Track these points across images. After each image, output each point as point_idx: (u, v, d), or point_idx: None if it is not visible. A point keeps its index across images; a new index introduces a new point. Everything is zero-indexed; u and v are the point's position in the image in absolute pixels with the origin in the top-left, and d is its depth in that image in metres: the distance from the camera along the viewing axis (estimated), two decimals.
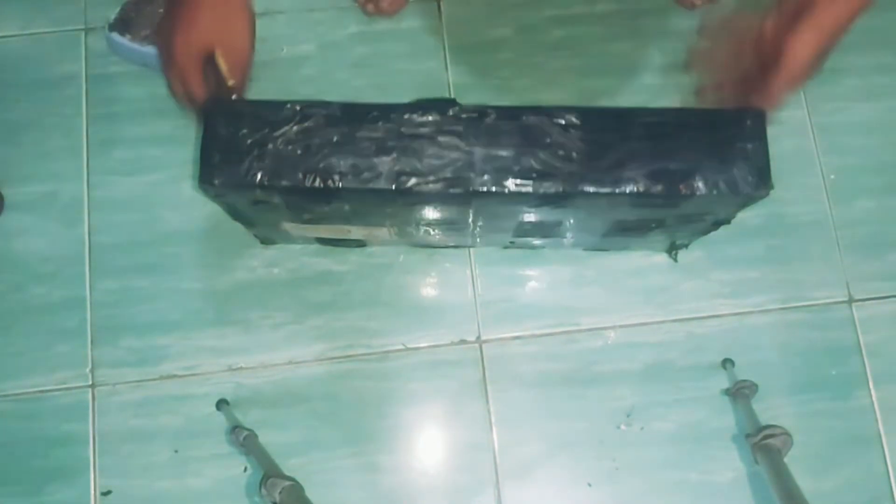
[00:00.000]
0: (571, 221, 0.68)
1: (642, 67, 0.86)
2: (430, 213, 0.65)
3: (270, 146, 0.58)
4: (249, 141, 0.58)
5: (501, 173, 0.57)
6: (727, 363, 0.78)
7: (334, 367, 0.78)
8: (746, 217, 0.74)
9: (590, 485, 0.76)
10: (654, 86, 0.85)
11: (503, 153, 0.57)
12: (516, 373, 0.78)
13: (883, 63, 0.86)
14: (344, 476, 0.75)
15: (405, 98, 0.85)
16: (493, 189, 0.57)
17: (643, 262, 0.80)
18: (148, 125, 0.82)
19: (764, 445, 0.68)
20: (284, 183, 0.57)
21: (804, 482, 0.64)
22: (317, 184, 0.57)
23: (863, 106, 0.85)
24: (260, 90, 0.84)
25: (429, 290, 0.80)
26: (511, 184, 0.57)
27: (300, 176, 0.57)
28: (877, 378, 0.78)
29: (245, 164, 0.57)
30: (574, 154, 0.57)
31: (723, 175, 0.58)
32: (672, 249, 0.80)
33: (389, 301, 0.79)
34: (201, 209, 0.80)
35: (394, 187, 0.57)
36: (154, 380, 0.77)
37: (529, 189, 0.57)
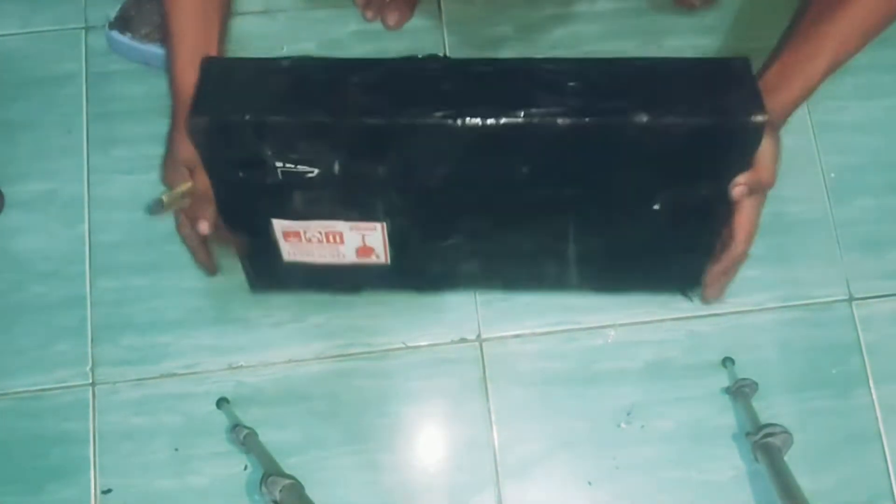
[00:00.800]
0: (571, 235, 0.67)
1: None
2: (432, 174, 0.62)
3: (266, 89, 0.58)
4: (245, 86, 0.58)
5: (505, 107, 0.56)
6: (727, 361, 0.78)
7: (334, 365, 0.78)
8: None
9: (590, 483, 0.76)
10: None
11: (503, 95, 0.57)
12: (516, 371, 0.78)
13: (883, 62, 0.86)
14: (344, 474, 0.75)
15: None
16: (496, 121, 0.56)
17: None
18: (148, 123, 0.82)
19: (764, 444, 0.68)
20: (280, 118, 0.56)
21: (804, 480, 0.64)
22: (313, 117, 0.56)
23: (863, 104, 0.85)
24: None
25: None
26: (519, 115, 0.56)
27: (297, 109, 0.57)
28: (877, 376, 0.78)
29: (240, 103, 0.57)
30: (572, 95, 0.57)
31: (717, 103, 0.57)
32: (686, 289, 0.78)
33: (389, 299, 0.79)
34: None
35: (392, 120, 0.56)
36: (154, 378, 0.77)
37: (541, 119, 0.56)
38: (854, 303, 0.80)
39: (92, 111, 0.84)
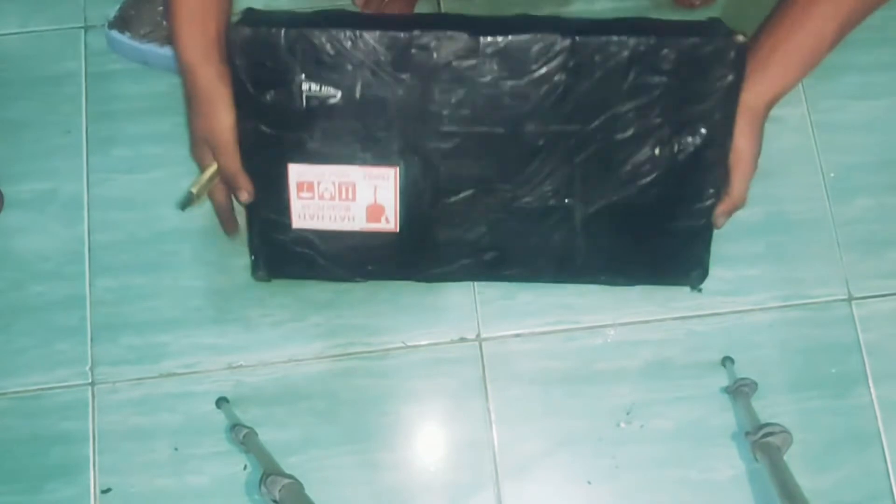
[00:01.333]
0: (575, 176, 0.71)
1: None
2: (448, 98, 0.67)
3: (300, 21, 0.66)
4: (281, 19, 0.67)
5: (515, 30, 0.65)
6: (727, 361, 0.78)
7: (334, 364, 0.78)
8: (746, 215, 0.74)
9: (589, 482, 0.76)
10: None
11: (514, 26, 0.66)
12: (516, 370, 0.78)
13: (883, 61, 0.86)
14: (343, 474, 0.75)
15: None
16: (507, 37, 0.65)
17: None
18: (147, 123, 0.82)
19: (763, 443, 0.68)
20: (312, 29, 0.65)
21: (804, 480, 0.64)
22: (341, 29, 0.65)
23: (862, 104, 0.85)
24: None
25: (428, 287, 0.80)
26: (527, 34, 0.65)
27: (327, 25, 0.65)
28: (876, 376, 0.79)
29: (277, 24, 0.65)
30: (572, 30, 0.66)
31: (698, 33, 0.66)
32: (694, 282, 0.77)
33: (389, 298, 0.79)
34: (201, 207, 0.80)
35: (413, 33, 0.65)
36: (154, 378, 0.77)
37: (545, 37, 0.65)
38: (853, 302, 0.80)
39: (91, 111, 0.84)
